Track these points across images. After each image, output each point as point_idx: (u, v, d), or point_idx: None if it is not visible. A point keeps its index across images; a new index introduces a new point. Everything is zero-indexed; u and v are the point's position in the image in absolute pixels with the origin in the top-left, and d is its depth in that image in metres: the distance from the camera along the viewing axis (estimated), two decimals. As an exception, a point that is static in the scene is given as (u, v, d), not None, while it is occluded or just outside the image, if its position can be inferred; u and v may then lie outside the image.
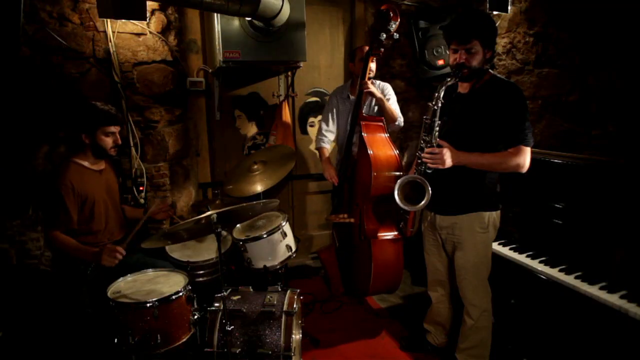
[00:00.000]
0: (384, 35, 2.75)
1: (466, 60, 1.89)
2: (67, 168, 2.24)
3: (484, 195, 2.05)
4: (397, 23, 2.78)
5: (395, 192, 1.99)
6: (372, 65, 2.94)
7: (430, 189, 1.92)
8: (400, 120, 3.04)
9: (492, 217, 2.07)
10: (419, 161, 2.01)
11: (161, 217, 2.55)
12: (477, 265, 2.09)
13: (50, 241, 2.21)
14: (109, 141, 2.28)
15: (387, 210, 2.86)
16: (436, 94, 1.92)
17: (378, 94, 2.88)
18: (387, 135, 2.88)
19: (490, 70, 2.01)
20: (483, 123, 1.95)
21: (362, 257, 2.86)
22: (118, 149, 2.36)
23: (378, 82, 3.12)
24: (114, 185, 2.51)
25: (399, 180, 2.01)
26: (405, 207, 2.00)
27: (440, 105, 1.91)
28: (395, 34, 2.79)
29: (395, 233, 2.77)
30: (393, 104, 3.02)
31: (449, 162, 1.90)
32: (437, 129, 1.93)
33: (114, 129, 2.29)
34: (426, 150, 1.95)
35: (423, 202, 1.94)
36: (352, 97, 3.06)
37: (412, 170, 2.22)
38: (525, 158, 1.89)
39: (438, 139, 1.95)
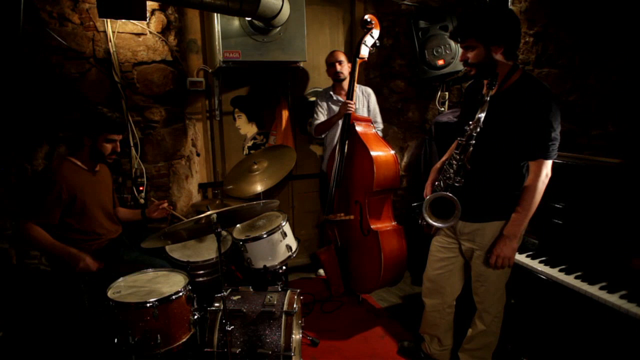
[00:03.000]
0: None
1: (466, 58, 1.88)
2: (61, 165, 2.25)
3: (512, 204, 1.91)
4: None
5: (424, 208, 1.94)
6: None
7: (460, 205, 1.86)
8: (379, 124, 3.34)
9: None
10: (448, 175, 1.96)
11: (158, 215, 2.55)
12: (498, 274, 2.01)
13: (21, 233, 2.13)
14: (108, 147, 2.30)
15: (386, 202, 2.94)
16: (476, 116, 1.80)
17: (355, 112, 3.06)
18: (375, 131, 3.08)
19: (520, 68, 1.87)
20: (506, 131, 1.84)
21: (367, 252, 2.89)
22: (116, 156, 2.36)
23: (362, 86, 3.33)
24: (108, 186, 2.52)
25: (428, 197, 1.95)
26: (434, 223, 1.94)
27: (478, 131, 1.81)
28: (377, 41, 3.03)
29: (395, 223, 2.94)
30: (373, 110, 3.32)
31: (513, 254, 1.90)
32: (471, 149, 1.86)
33: (117, 137, 2.32)
34: (495, 263, 1.91)
35: (452, 219, 1.89)
36: (336, 96, 3.28)
37: (430, 181, 2.19)
38: (546, 173, 1.81)
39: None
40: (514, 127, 1.82)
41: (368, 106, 3.28)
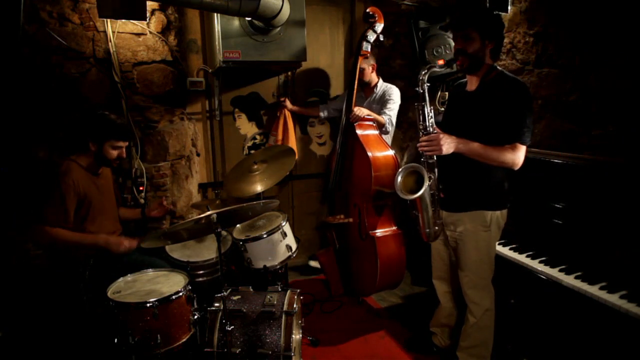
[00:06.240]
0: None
1: (462, 46, 1.94)
2: (69, 167, 2.25)
3: (488, 194, 2.04)
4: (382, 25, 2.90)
5: (397, 180, 1.97)
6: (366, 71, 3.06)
7: (427, 177, 1.90)
8: (388, 127, 3.06)
9: (496, 216, 2.05)
10: (420, 151, 2.00)
11: (157, 214, 2.55)
12: (478, 263, 2.10)
13: (41, 237, 2.16)
14: (114, 154, 2.30)
15: (386, 206, 2.92)
16: (420, 78, 1.95)
17: (363, 114, 2.93)
18: (378, 132, 3.01)
19: (498, 67, 2.01)
20: (488, 121, 1.95)
21: (364, 256, 2.88)
22: (120, 161, 2.37)
23: (385, 84, 3.20)
24: (110, 188, 2.52)
25: (399, 171, 1.99)
26: (404, 196, 1.96)
27: (425, 88, 1.94)
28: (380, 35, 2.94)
29: (395, 228, 2.90)
30: (390, 109, 3.07)
31: (446, 148, 1.87)
32: (431, 114, 1.94)
33: (123, 143, 2.32)
34: (422, 137, 1.94)
35: (422, 191, 1.90)
36: (363, 95, 3.23)
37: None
38: (519, 156, 1.90)
39: (435, 127, 1.95)
40: (491, 118, 1.93)
41: (383, 96, 3.15)
